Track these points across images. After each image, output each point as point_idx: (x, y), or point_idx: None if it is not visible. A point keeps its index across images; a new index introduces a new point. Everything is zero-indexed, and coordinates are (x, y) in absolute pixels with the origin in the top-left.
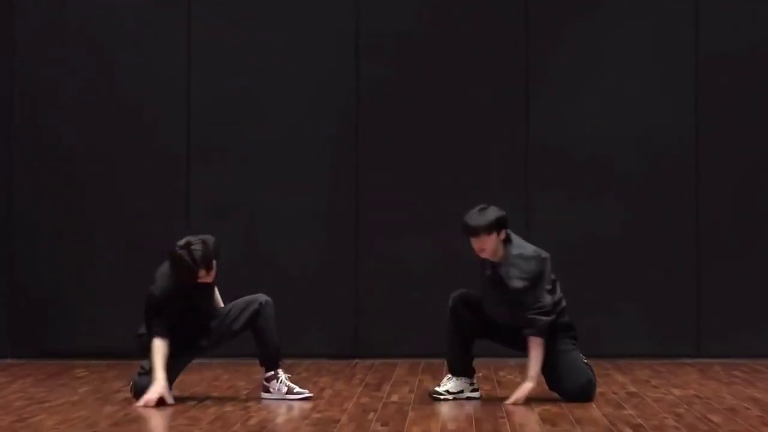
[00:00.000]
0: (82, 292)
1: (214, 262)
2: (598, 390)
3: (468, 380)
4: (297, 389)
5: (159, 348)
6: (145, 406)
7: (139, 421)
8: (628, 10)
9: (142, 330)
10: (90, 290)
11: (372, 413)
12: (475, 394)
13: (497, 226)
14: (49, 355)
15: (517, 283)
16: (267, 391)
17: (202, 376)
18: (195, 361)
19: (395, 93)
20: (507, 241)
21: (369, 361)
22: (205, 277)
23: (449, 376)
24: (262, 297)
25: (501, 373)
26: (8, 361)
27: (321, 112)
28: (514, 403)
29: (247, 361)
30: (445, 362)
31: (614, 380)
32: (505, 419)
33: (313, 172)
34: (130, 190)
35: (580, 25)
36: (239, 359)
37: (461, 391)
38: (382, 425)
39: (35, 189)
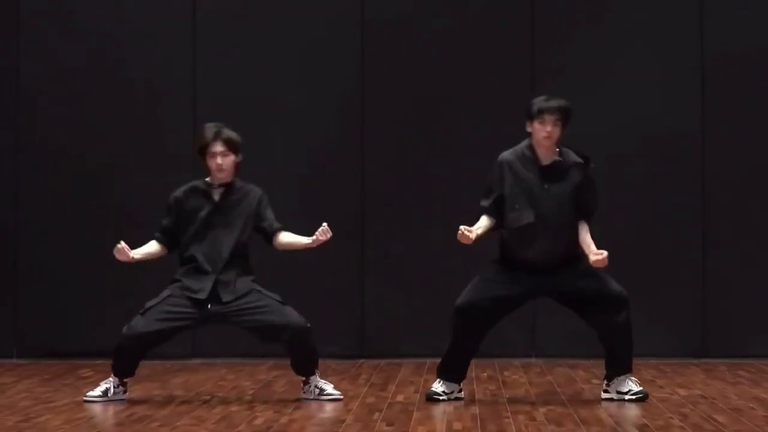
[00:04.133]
0: (87, 293)
1: (234, 143)
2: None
3: (456, 386)
4: (328, 390)
5: (148, 244)
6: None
7: (143, 421)
8: (632, 11)
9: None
10: (95, 291)
11: (377, 413)
12: (462, 395)
13: (570, 115)
14: (55, 355)
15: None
16: (305, 391)
17: (207, 375)
18: (199, 361)
19: (400, 90)
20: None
21: (374, 361)
22: (219, 154)
23: (440, 380)
24: (293, 327)
25: (506, 373)
26: (14, 361)
27: (325, 108)
28: (597, 256)
29: (252, 362)
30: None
31: None
32: (510, 419)
33: (318, 168)
34: (135, 189)
35: (585, 25)
36: (243, 359)
37: (452, 392)
38: (387, 425)
39: (40, 189)
